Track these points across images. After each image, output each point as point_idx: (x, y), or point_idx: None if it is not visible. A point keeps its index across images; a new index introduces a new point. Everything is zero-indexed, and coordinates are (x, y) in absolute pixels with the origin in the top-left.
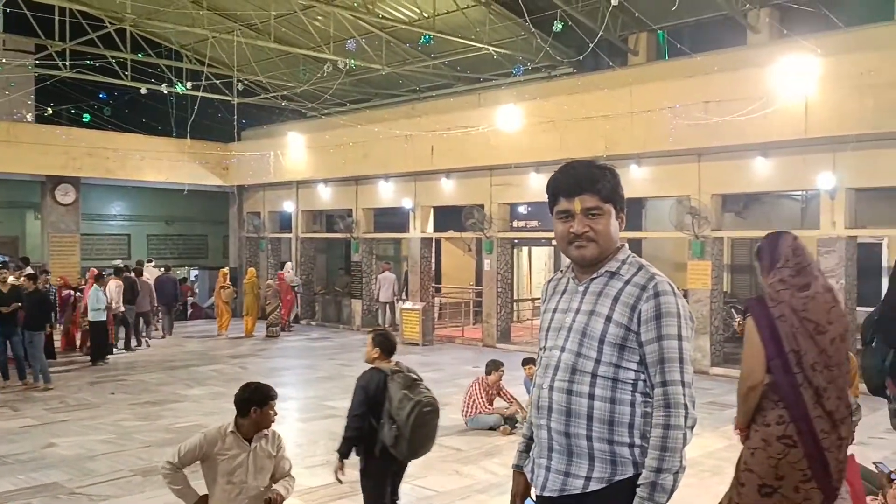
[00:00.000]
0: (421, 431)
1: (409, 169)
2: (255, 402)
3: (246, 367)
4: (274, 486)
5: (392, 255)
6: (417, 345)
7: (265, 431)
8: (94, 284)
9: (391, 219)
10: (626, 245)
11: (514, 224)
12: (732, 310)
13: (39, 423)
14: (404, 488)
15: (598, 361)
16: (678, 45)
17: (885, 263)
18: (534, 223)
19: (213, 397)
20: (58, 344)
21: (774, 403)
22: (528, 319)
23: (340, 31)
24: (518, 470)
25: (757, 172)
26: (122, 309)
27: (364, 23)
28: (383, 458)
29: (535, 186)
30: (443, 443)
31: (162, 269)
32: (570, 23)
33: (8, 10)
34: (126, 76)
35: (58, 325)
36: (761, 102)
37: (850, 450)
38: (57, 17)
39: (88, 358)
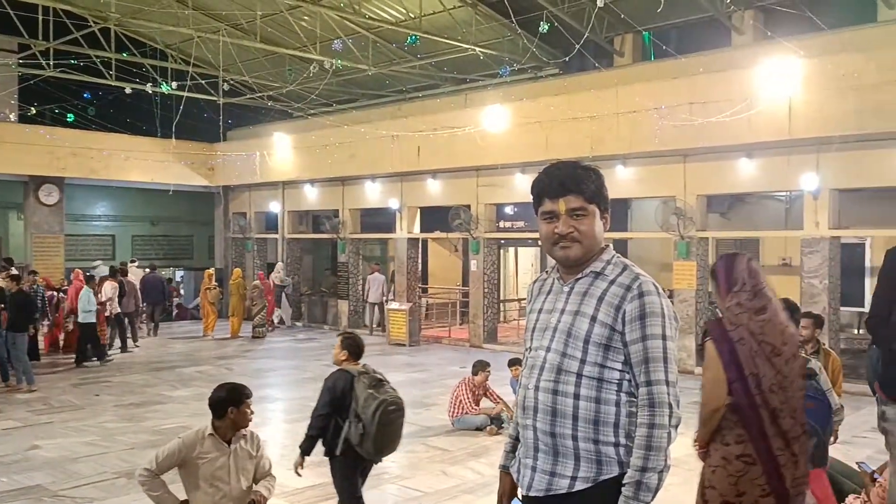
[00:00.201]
0: (386, 430)
1: (396, 169)
2: (231, 403)
3: (232, 369)
4: (256, 486)
5: (378, 256)
6: (404, 345)
7: (243, 432)
8: (86, 286)
9: (378, 219)
10: (611, 245)
11: (501, 224)
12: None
13: (23, 425)
14: (391, 489)
15: (583, 361)
16: (664, 47)
17: (868, 264)
18: (520, 224)
19: (199, 398)
20: (42, 345)
21: (734, 423)
22: (514, 320)
23: (327, 32)
24: (504, 470)
25: (742, 173)
26: (118, 310)
27: (350, 23)
28: (348, 457)
29: (522, 187)
30: (429, 443)
31: (147, 269)
32: (556, 24)
33: None
34: (110, 76)
35: (42, 327)
36: (746, 103)
37: (835, 449)
38: (41, 16)
39: (73, 359)
